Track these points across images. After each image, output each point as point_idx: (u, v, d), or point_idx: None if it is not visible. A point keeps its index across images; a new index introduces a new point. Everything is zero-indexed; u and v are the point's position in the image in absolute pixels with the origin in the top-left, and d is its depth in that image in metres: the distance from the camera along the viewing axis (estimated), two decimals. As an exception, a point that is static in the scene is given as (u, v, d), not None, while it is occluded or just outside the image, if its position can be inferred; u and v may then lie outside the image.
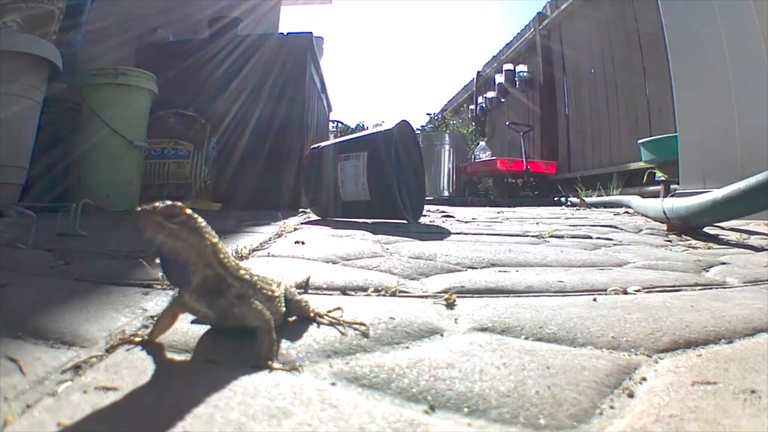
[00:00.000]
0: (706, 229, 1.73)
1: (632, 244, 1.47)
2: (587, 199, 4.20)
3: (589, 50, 6.01)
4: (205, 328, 0.51)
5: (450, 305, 0.66)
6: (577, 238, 1.59)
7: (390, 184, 1.91)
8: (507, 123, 6.85)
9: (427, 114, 13.88)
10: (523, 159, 6.06)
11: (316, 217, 2.19)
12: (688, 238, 1.63)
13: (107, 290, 0.68)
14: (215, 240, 0.46)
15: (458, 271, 0.94)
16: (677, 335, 0.55)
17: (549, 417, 0.36)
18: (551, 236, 1.60)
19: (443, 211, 3.15)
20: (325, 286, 0.76)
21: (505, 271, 0.93)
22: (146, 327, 0.54)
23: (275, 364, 0.43)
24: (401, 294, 0.73)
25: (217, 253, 0.46)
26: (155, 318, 0.54)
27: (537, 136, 7.01)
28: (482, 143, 7.42)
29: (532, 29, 7.32)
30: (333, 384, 0.40)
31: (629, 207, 3.06)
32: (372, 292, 0.73)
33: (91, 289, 0.69)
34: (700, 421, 0.35)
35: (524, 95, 7.54)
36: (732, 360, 0.48)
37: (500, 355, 0.47)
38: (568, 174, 6.18)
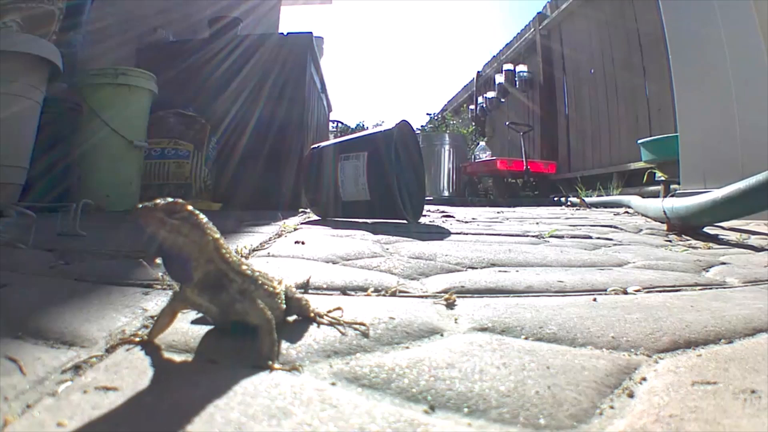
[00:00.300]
0: (706, 229, 1.73)
1: (632, 244, 1.47)
2: (587, 199, 4.20)
3: (589, 50, 6.02)
4: (205, 328, 0.51)
5: (450, 305, 0.66)
6: (577, 238, 1.59)
7: (390, 184, 1.91)
8: (507, 123, 6.85)
9: (427, 114, 13.90)
10: (523, 159, 6.06)
11: (316, 217, 2.19)
12: (688, 238, 1.63)
13: (107, 290, 0.68)
14: (217, 236, 0.46)
15: (458, 271, 0.94)
16: (677, 335, 0.55)
17: (549, 417, 0.36)
18: (551, 236, 1.60)
19: (443, 211, 3.15)
20: (325, 286, 0.76)
21: (505, 271, 0.93)
22: (146, 327, 0.54)
23: (275, 364, 0.43)
24: (401, 294, 0.73)
25: (219, 249, 0.46)
26: (155, 317, 0.54)
27: (537, 136, 7.01)
28: (482, 143, 7.42)
29: (532, 29, 7.33)
30: (333, 384, 0.40)
31: (629, 207, 3.05)
32: (372, 292, 0.73)
33: (91, 289, 0.69)
34: (700, 421, 0.35)
35: (524, 95, 7.54)
36: (732, 360, 0.48)
37: (500, 355, 0.47)
38: (568, 174, 6.18)
